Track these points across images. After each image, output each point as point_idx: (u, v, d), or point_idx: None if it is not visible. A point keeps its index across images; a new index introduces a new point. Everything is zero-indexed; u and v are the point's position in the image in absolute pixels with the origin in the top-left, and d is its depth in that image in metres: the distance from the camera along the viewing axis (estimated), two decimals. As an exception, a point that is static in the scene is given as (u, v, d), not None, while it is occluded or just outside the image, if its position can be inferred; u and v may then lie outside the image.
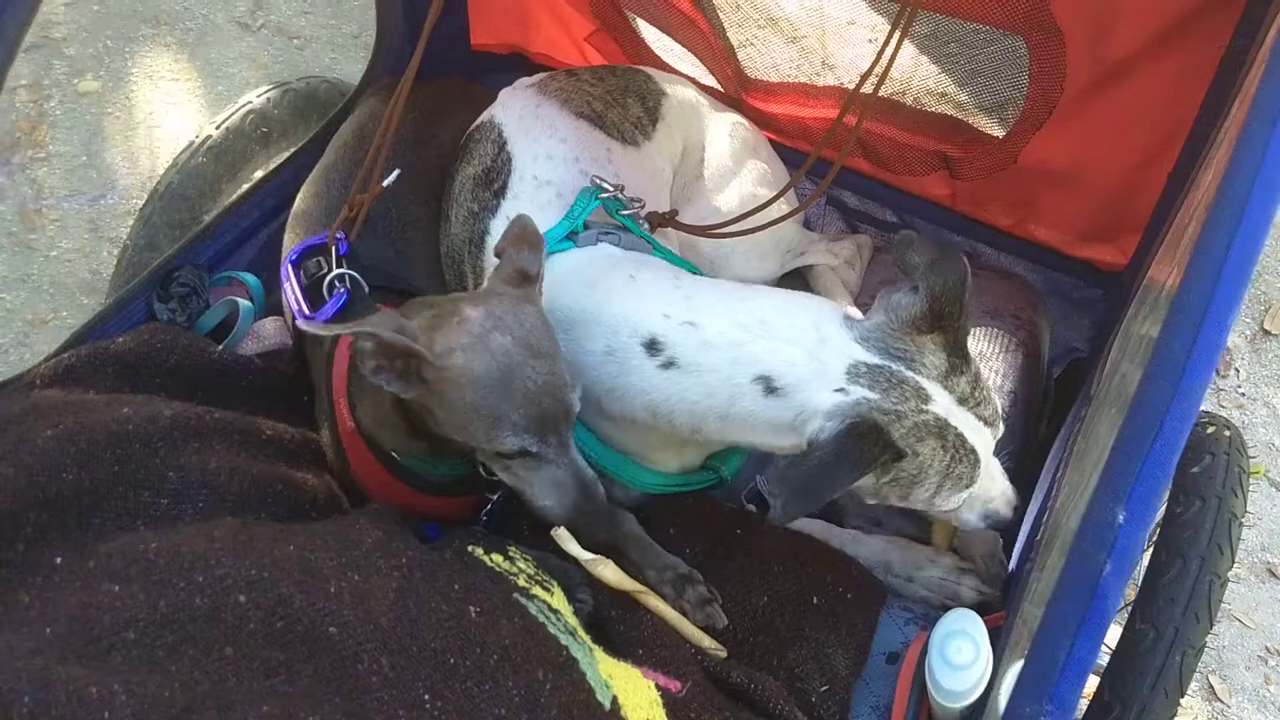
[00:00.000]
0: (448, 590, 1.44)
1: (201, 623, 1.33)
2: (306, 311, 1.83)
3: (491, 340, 1.44)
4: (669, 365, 1.62)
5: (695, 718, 1.47)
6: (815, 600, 1.68)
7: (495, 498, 1.73)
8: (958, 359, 1.55)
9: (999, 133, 2.18)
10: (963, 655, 1.48)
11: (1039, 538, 1.76)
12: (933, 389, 1.52)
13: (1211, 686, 2.59)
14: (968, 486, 1.57)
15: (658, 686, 1.48)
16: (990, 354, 2.17)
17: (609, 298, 1.70)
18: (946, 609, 1.79)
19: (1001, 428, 1.63)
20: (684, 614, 1.66)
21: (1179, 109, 1.91)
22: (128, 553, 1.43)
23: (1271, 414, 3.16)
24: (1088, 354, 2.37)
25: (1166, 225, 1.96)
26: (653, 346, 1.64)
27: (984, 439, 1.57)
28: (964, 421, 1.53)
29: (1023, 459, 2.18)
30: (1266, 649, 2.66)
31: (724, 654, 1.60)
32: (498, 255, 1.58)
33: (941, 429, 1.52)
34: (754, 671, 1.60)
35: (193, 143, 2.21)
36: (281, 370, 1.96)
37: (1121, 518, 0.92)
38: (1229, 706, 2.57)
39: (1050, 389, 2.37)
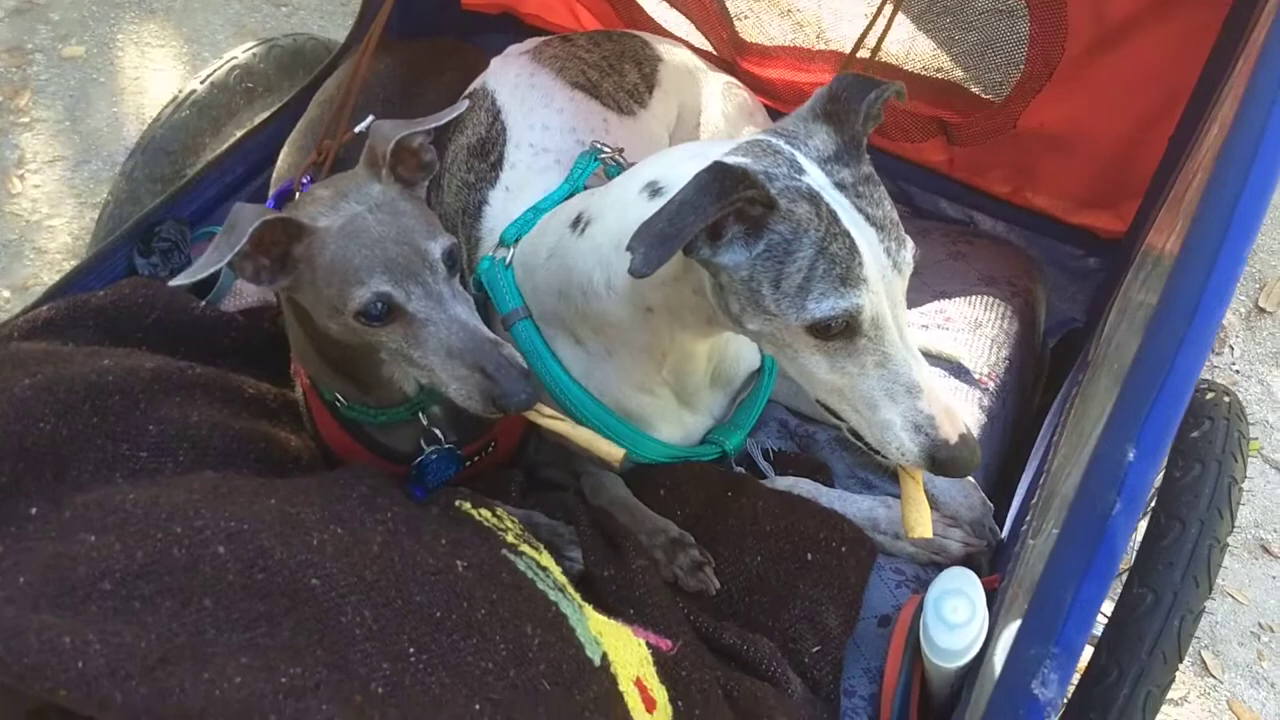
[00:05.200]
0: (434, 545, 1.41)
1: (179, 574, 1.29)
2: None
3: (340, 204, 1.44)
4: (585, 226, 1.64)
5: (687, 676, 1.44)
6: (810, 556, 1.65)
7: (429, 450, 1.68)
8: (848, 155, 1.44)
9: (998, 97, 2.15)
10: (959, 614, 1.45)
11: (1034, 501, 1.73)
12: (808, 164, 1.42)
13: (1204, 661, 2.57)
14: (847, 284, 1.36)
15: (648, 645, 1.45)
16: (986, 321, 2.14)
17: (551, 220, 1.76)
18: (935, 565, 1.78)
19: (907, 256, 1.42)
20: (676, 580, 1.63)
21: (1181, 70, 1.89)
22: (105, 504, 1.39)
23: (1265, 391, 3.14)
24: (1084, 324, 2.34)
25: (1166, 190, 1.94)
26: (575, 222, 1.66)
27: (867, 236, 1.38)
28: (841, 204, 1.39)
29: (1018, 428, 2.16)
30: (1259, 625, 2.64)
31: (619, 454, 1.56)
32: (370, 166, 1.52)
33: (814, 198, 1.38)
34: (746, 632, 1.57)
35: (177, 97, 2.16)
36: (264, 328, 1.93)
37: (1132, 455, 0.89)
38: (1221, 682, 2.55)
39: (1046, 358, 2.35)
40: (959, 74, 2.21)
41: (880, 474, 1.91)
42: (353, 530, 1.39)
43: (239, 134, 2.12)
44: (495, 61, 2.12)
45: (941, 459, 1.42)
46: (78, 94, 3.57)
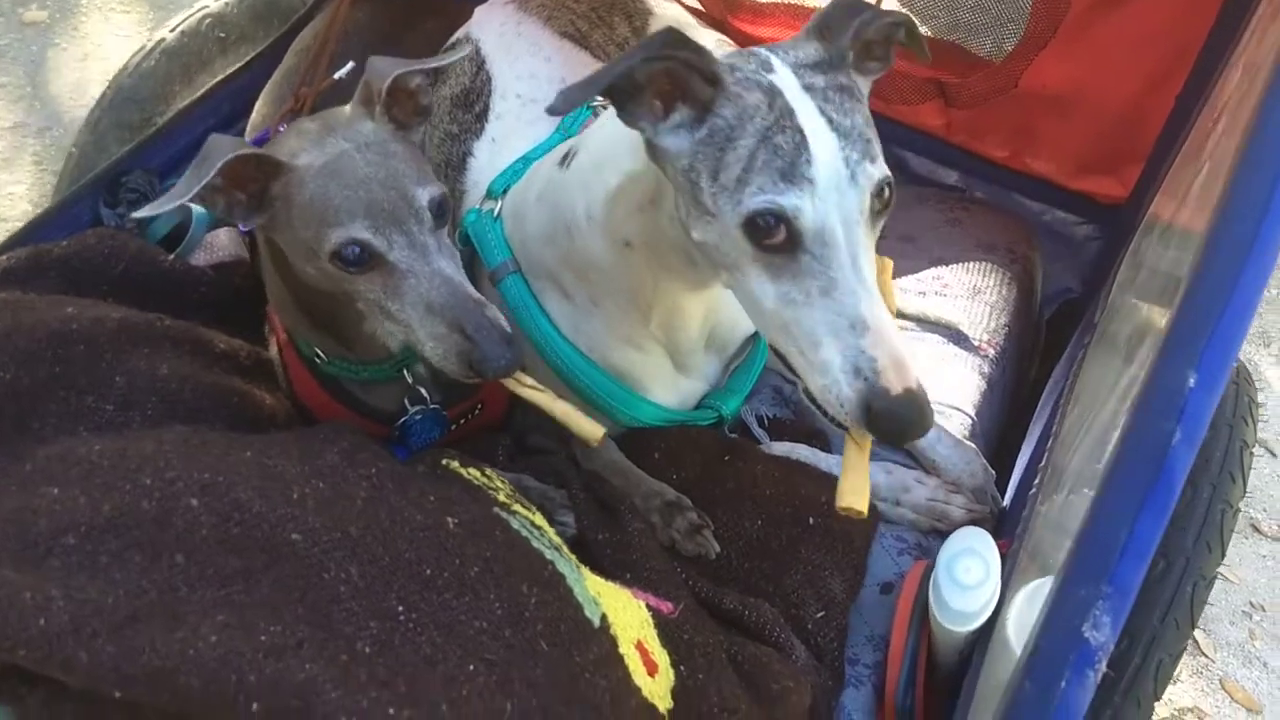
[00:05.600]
0: (422, 501, 1.33)
1: (149, 528, 1.21)
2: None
3: (325, 140, 1.35)
4: (572, 158, 1.57)
5: (689, 640, 1.36)
6: (811, 520, 1.58)
7: (413, 410, 1.60)
8: (829, 65, 1.33)
9: (998, 56, 2.09)
10: (971, 575, 1.38)
11: (1041, 465, 1.68)
12: (779, 65, 1.32)
13: (1196, 641, 2.53)
14: (787, 179, 1.24)
15: (648, 607, 1.37)
16: (985, 287, 2.08)
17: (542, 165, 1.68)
18: (936, 533, 1.72)
19: (873, 174, 1.26)
20: (673, 544, 1.56)
21: (1190, 26, 1.83)
22: (68, 456, 1.30)
23: (1254, 370, 3.11)
24: (1081, 294, 2.29)
25: (1174, 153, 1.88)
26: (563, 159, 1.59)
27: (825, 139, 1.25)
28: (802, 103, 1.27)
29: (1016, 398, 2.10)
30: (1250, 604, 2.60)
31: (599, 433, 1.44)
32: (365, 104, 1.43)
33: (772, 91, 1.28)
34: (747, 597, 1.50)
35: (145, 46, 2.06)
36: (235, 285, 1.83)
37: (1192, 381, 0.83)
38: (1213, 661, 2.51)
39: (1042, 328, 2.30)
40: (959, 34, 2.15)
41: (879, 442, 1.84)
42: (335, 485, 1.31)
43: (212, 83, 2.01)
44: (479, 10, 2.04)
45: (878, 410, 1.23)
46: (38, 60, 3.46)
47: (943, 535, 1.72)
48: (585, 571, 1.37)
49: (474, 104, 1.88)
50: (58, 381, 1.44)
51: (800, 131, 1.25)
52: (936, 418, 1.78)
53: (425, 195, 1.35)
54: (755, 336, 1.82)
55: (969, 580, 1.38)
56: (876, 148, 1.30)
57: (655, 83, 1.29)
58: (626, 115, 1.32)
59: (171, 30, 2.08)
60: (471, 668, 1.17)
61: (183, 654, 1.10)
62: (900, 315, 2.03)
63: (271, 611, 1.17)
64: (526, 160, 1.73)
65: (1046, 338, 2.30)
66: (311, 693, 1.09)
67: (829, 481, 1.65)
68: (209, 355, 1.63)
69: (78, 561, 1.17)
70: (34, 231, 1.72)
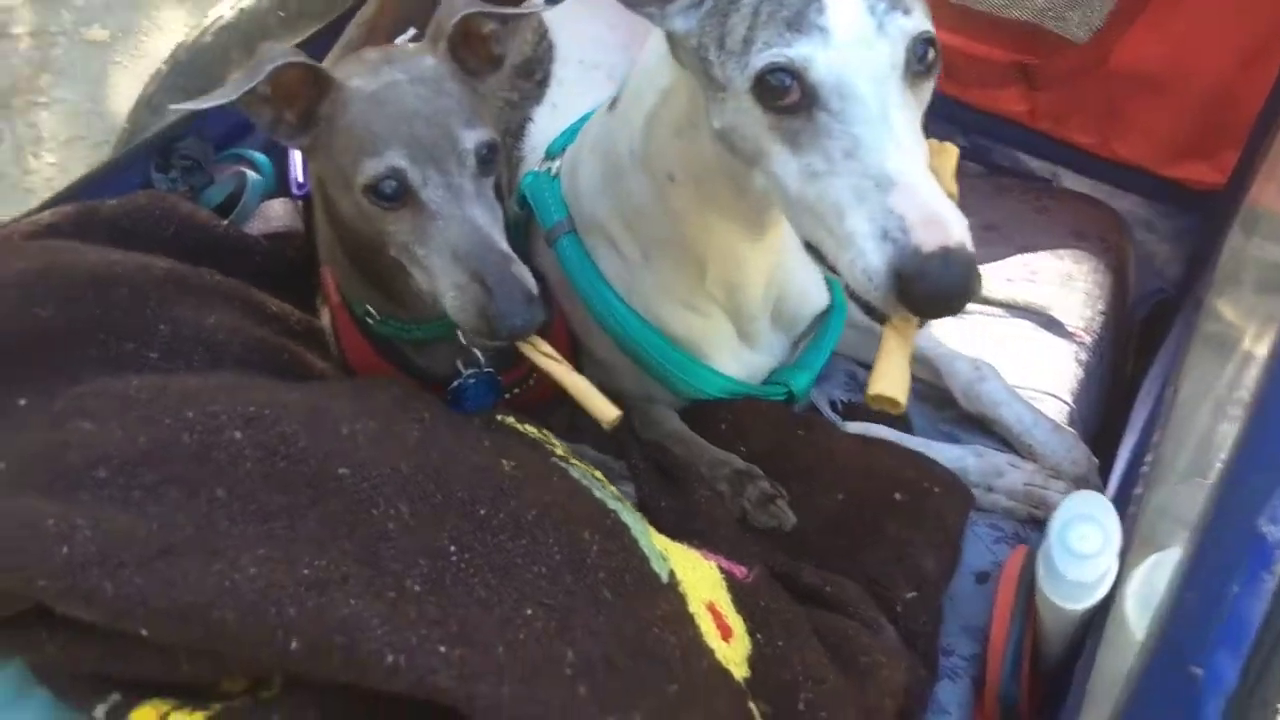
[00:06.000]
0: (477, 444, 1.23)
1: (188, 461, 1.12)
2: (301, 179, 1.67)
3: (381, 69, 1.28)
4: (617, 101, 1.50)
5: (766, 606, 1.24)
6: (897, 496, 1.45)
7: (468, 373, 1.50)
8: None
9: (1085, 33, 1.99)
10: (1088, 543, 1.24)
11: (1148, 456, 1.54)
12: None
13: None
14: (794, 28, 1.13)
15: (720, 569, 1.25)
16: (1078, 275, 1.96)
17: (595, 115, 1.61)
18: (1034, 521, 1.58)
19: (904, 24, 1.14)
20: (745, 515, 1.44)
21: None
22: (104, 391, 1.22)
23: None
24: (1176, 293, 2.16)
25: (1273, 135, 1.77)
26: (611, 104, 1.52)
27: None
28: None
29: (1113, 391, 1.96)
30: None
31: (612, 414, 1.31)
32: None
33: None
34: (827, 573, 1.37)
35: (202, 24, 2.02)
36: (289, 257, 1.76)
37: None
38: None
39: (1135, 328, 2.16)
40: (1041, 13, 2.05)
41: (967, 426, 1.71)
42: (385, 424, 1.21)
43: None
44: (541, -15, 1.99)
45: (909, 273, 1.05)
46: (99, 76, 3.46)
47: (1041, 524, 1.59)
48: (649, 528, 1.25)
49: (534, 72, 1.83)
50: (98, 324, 1.36)
51: None
52: (1032, 403, 1.68)
53: (472, 138, 1.27)
54: (826, 313, 1.71)
55: (1085, 548, 1.24)
56: (914, 2, 1.18)
57: None
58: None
59: (231, 7, 2.04)
60: (529, 612, 1.05)
61: (218, 587, 1.00)
62: (986, 301, 1.91)
63: (316, 547, 1.07)
64: (584, 119, 1.65)
65: (1139, 338, 2.16)
66: (356, 628, 0.98)
67: (915, 458, 1.54)
68: (260, 314, 1.55)
69: (109, 495, 1.09)
70: (81, 190, 1.66)
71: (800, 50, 1.12)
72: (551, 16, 1.89)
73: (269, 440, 1.14)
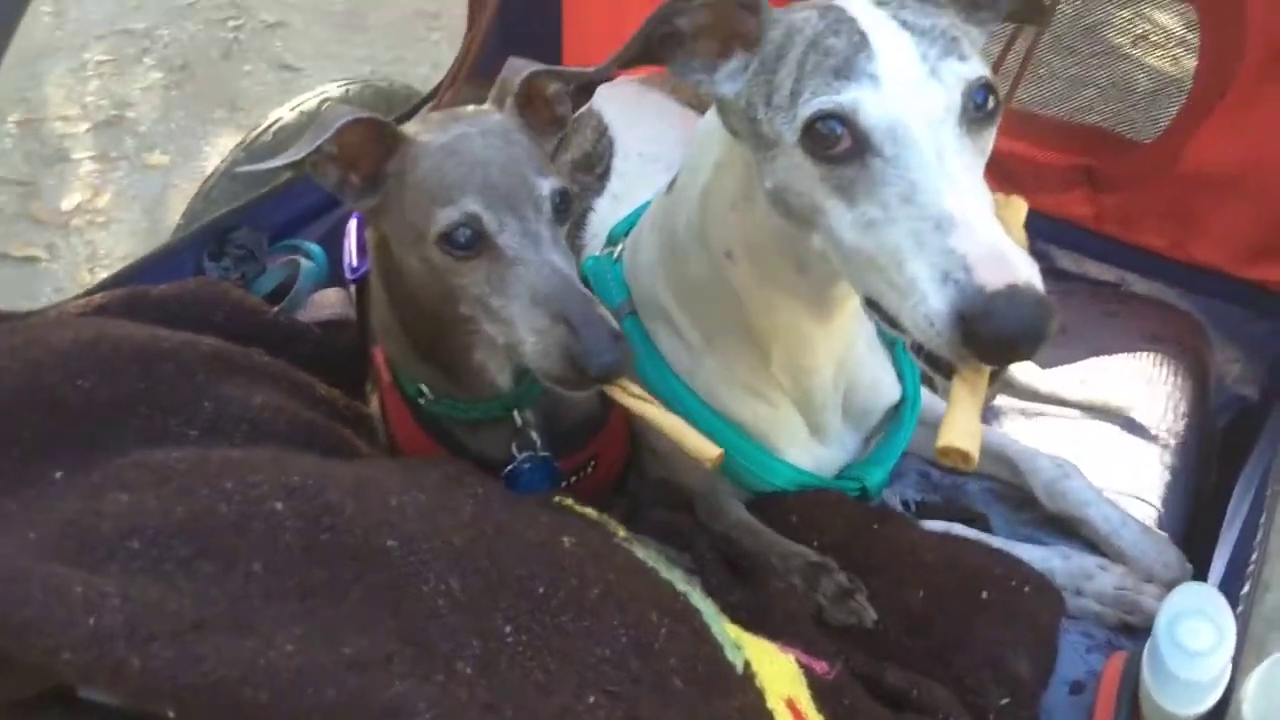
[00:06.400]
0: (534, 521, 1.15)
1: (225, 533, 1.05)
2: (355, 263, 1.65)
3: (449, 125, 1.29)
4: (674, 182, 1.49)
5: (850, 705, 1.13)
6: (985, 594, 1.34)
7: (523, 456, 1.43)
8: None
9: (1153, 132, 1.95)
10: (1200, 639, 1.13)
11: (1250, 562, 1.43)
12: None
13: None
14: (841, 76, 1.10)
15: (799, 663, 1.15)
16: (1157, 378, 1.87)
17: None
18: (1126, 628, 1.47)
19: (961, 70, 1.11)
20: (820, 612, 1.34)
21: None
22: (142, 463, 1.17)
23: None
24: (1260, 401, 2.05)
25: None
26: (670, 186, 1.50)
27: (894, 37, 1.12)
28: (866, 10, 1.15)
29: (1199, 498, 1.85)
30: None
31: (715, 452, 1.22)
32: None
33: (826, 9, 1.17)
34: (913, 675, 1.26)
35: (262, 124, 2.04)
36: (340, 345, 1.72)
37: None
38: None
39: (1217, 438, 2.05)
40: (1106, 114, 2.02)
41: (1049, 529, 1.61)
42: (437, 498, 1.14)
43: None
44: (602, 88, 2.00)
45: (973, 313, 0.98)
46: (158, 199, 3.52)
47: (1135, 632, 1.47)
48: (722, 616, 1.16)
49: (595, 166, 1.83)
50: (141, 398, 1.31)
51: (860, 32, 1.12)
52: (1119, 504, 1.58)
53: (547, 185, 1.25)
54: (899, 406, 1.63)
55: (1197, 645, 1.13)
56: (969, 50, 1.14)
57: (703, 32, 1.22)
58: (678, 68, 1.24)
59: (291, 110, 2.06)
60: (591, 699, 0.96)
61: (252, 663, 0.92)
62: (1062, 402, 1.82)
63: (358, 625, 0.99)
64: (645, 206, 1.62)
65: (1222, 449, 2.05)
66: (401, 712, 0.89)
67: (1002, 556, 1.44)
68: (308, 397, 1.49)
69: (140, 566, 1.02)
70: (133, 275, 1.64)
71: (850, 95, 1.09)
72: (611, 117, 1.90)
73: (312, 511, 1.07)
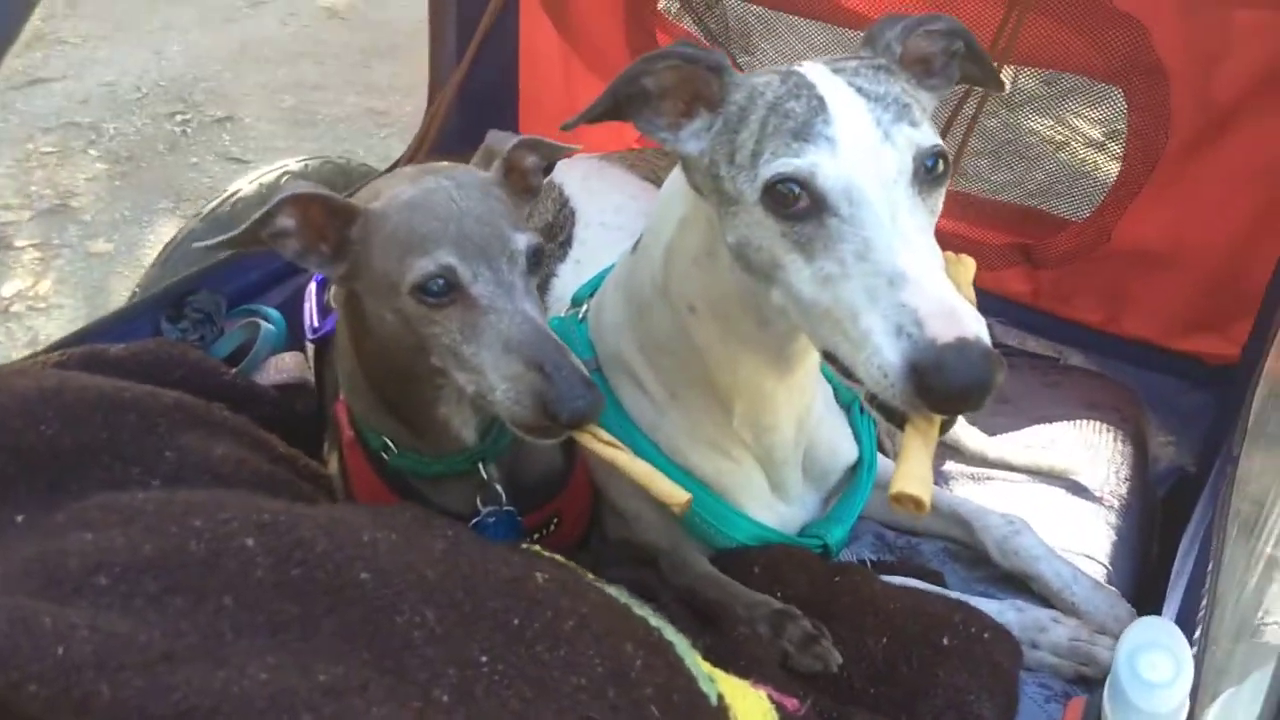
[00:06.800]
0: (505, 559, 1.15)
1: (195, 569, 1.04)
2: (316, 324, 1.66)
3: (421, 179, 1.29)
4: (639, 242, 1.52)
5: (822, 741, 1.13)
6: (946, 641, 1.35)
7: (487, 510, 1.42)
8: (868, 57, 1.28)
9: (1085, 211, 2.04)
10: (1159, 671, 1.14)
11: (1201, 607, 1.47)
12: (806, 62, 1.26)
13: None
14: (800, 138, 1.15)
15: (771, 699, 1.15)
16: (1099, 444, 1.93)
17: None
18: (1082, 679, 1.49)
19: (911, 135, 1.17)
20: (786, 659, 1.34)
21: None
22: (108, 504, 1.15)
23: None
24: (1196, 472, 2.11)
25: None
26: (635, 246, 1.54)
27: (850, 102, 1.17)
28: (824, 77, 1.21)
29: (1144, 563, 1.89)
30: None
31: (684, 497, 1.23)
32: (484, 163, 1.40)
33: (787, 73, 1.23)
34: (880, 718, 1.26)
35: (223, 194, 2.06)
36: (297, 409, 1.72)
37: None
38: None
39: (1157, 507, 2.11)
40: (1038, 195, 2.11)
41: (1002, 585, 1.63)
42: (409, 537, 1.14)
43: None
44: (561, 163, 2.03)
45: (925, 365, 1.03)
46: (100, 286, 3.49)
47: (1091, 684, 1.49)
48: (695, 651, 1.16)
49: (557, 235, 1.87)
50: (104, 447, 1.30)
51: (818, 97, 1.18)
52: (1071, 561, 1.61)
53: (523, 240, 1.27)
54: (855, 468, 1.67)
55: (1157, 677, 1.15)
56: (920, 115, 1.20)
57: (669, 92, 1.27)
58: (644, 125, 1.29)
59: (250, 182, 2.08)
60: (570, 727, 0.95)
61: (224, 692, 0.91)
62: (1009, 468, 1.87)
63: (333, 656, 0.99)
64: (608, 269, 1.66)
65: (1163, 520, 2.10)
66: (379, 736, 0.88)
67: (960, 605, 1.45)
68: (269, 453, 1.49)
69: (108, 602, 1.01)
70: (90, 335, 1.62)
71: (808, 159, 1.14)
72: (572, 190, 1.95)
73: (283, 546, 1.06)
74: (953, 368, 1.03)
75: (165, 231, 3.73)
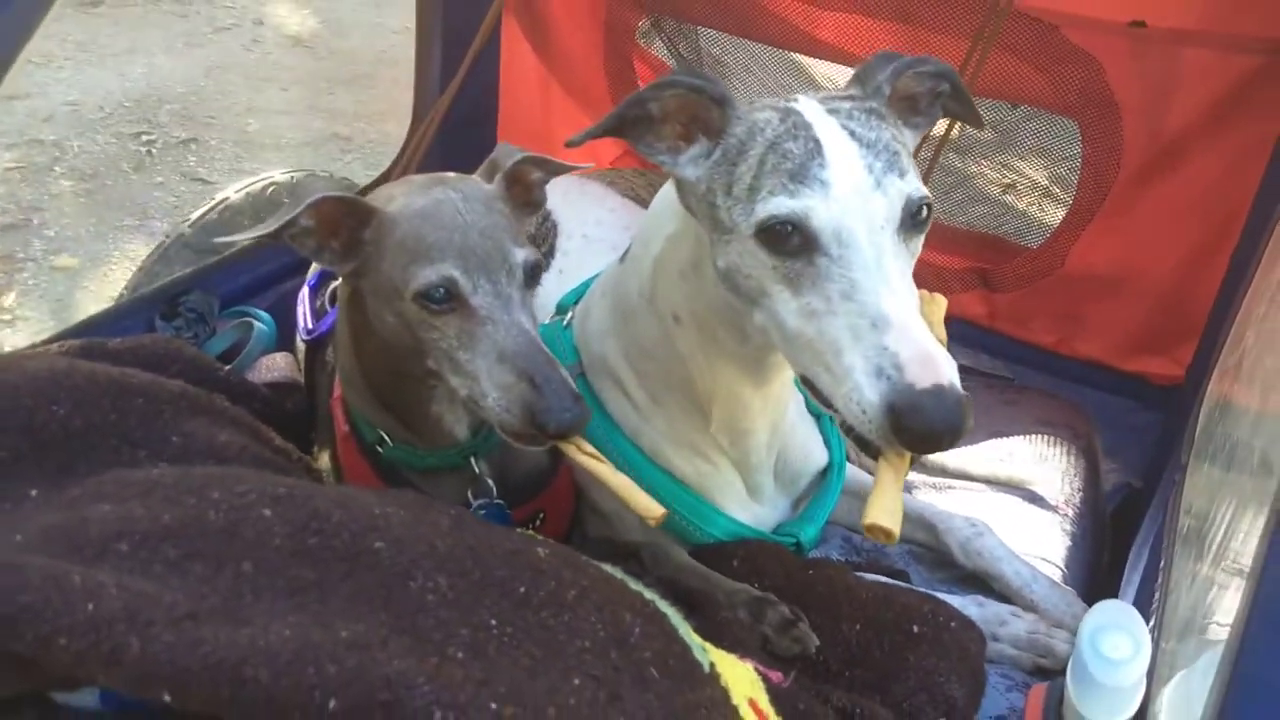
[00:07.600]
0: (507, 535, 1.21)
1: (214, 538, 1.08)
2: (310, 326, 1.72)
3: (432, 189, 1.36)
4: (627, 252, 1.58)
5: (806, 709, 1.19)
6: (916, 629, 1.42)
7: (478, 503, 1.49)
8: (860, 98, 1.34)
9: (1039, 239, 2.15)
10: (1120, 650, 1.23)
11: (1153, 600, 1.55)
12: (802, 98, 1.32)
13: None
14: (797, 180, 1.22)
15: (757, 670, 1.21)
16: (1051, 455, 2.02)
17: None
18: (1041, 671, 1.58)
19: (900, 185, 1.24)
20: (765, 643, 1.40)
21: (1235, 193, 1.89)
22: (123, 479, 1.19)
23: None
24: (1144, 487, 2.22)
25: (1228, 324, 1.89)
26: (623, 256, 1.60)
27: (844, 147, 1.24)
28: (820, 118, 1.27)
29: (1096, 574, 1.98)
30: None
31: (659, 511, 1.32)
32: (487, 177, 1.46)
33: (786, 111, 1.30)
34: (856, 696, 1.33)
35: (210, 203, 2.10)
36: (287, 409, 1.76)
37: None
38: None
39: (1108, 522, 2.20)
40: (996, 220, 2.22)
41: (964, 586, 1.71)
42: (416, 514, 1.19)
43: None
44: (545, 183, 2.12)
45: (902, 407, 1.11)
46: (65, 300, 3.49)
47: (1048, 674, 1.57)
48: (686, 623, 1.22)
49: (539, 245, 1.92)
50: (113, 429, 1.33)
51: (815, 140, 1.25)
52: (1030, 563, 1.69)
53: (521, 255, 1.34)
54: (825, 472, 1.74)
55: (1118, 655, 1.23)
56: (908, 164, 1.28)
57: (671, 116, 1.34)
58: (644, 147, 1.36)
59: (237, 191, 2.13)
60: (577, 681, 1.01)
61: (251, 645, 0.95)
62: (968, 478, 1.96)
63: (351, 616, 1.04)
64: (593, 278, 1.73)
65: (1113, 534, 2.20)
66: (401, 685, 0.93)
67: (928, 597, 1.53)
68: (268, 443, 1.53)
69: (129, 567, 1.04)
70: (87, 330, 1.66)
71: (803, 201, 1.21)
72: (554, 204, 2.01)
73: (299, 517, 1.10)
74: (929, 412, 1.12)
75: (130, 249, 3.75)
